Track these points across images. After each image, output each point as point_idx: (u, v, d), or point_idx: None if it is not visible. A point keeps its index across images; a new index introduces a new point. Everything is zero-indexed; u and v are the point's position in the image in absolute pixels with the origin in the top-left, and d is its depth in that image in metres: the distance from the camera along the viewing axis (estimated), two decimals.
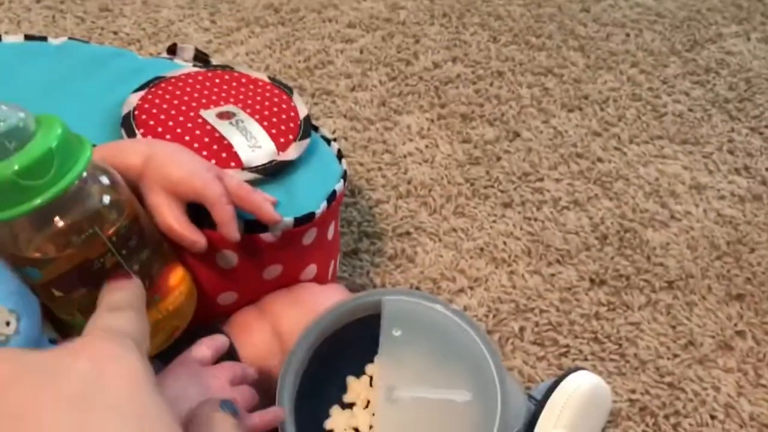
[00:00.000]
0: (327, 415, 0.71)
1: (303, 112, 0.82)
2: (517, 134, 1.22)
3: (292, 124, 0.80)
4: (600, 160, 1.18)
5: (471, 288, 0.99)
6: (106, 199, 0.59)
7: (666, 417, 0.86)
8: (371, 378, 0.72)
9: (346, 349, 0.72)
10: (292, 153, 0.77)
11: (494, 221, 1.08)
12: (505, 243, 1.05)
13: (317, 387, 0.71)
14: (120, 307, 0.40)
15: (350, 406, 0.71)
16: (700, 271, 1.01)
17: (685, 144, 1.22)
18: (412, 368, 0.69)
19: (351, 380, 0.72)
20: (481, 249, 1.04)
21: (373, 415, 0.68)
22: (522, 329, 0.94)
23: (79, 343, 0.34)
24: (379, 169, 1.14)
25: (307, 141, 0.79)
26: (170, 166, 0.65)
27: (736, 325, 0.95)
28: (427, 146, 1.19)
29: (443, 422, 0.66)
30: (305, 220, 0.73)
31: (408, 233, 1.06)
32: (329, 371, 0.72)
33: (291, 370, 0.67)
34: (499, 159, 1.17)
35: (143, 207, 0.65)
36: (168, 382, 0.55)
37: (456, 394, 0.67)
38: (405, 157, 1.17)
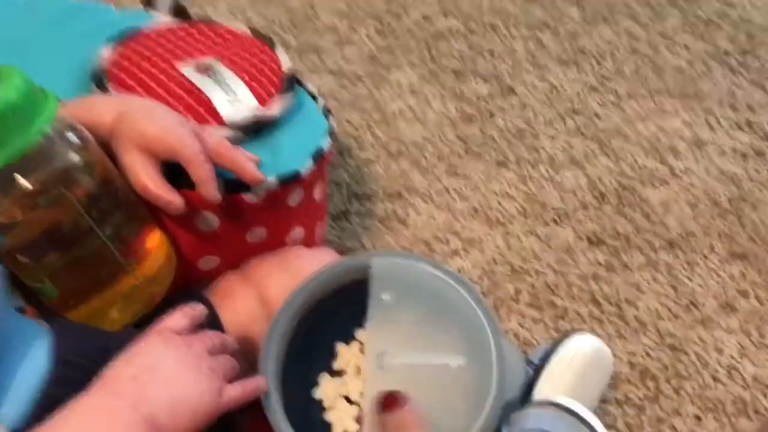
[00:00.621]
0: (316, 384, 0.67)
1: (286, 65, 0.78)
2: (511, 90, 1.17)
3: (274, 78, 0.75)
4: (597, 116, 1.14)
5: (465, 250, 0.96)
6: (75, 157, 0.56)
7: (668, 380, 0.83)
8: (361, 344, 0.69)
9: (334, 315, 0.69)
10: (275, 108, 0.72)
11: (488, 181, 1.04)
12: (499, 203, 1.01)
13: (305, 355, 0.67)
14: None
15: (340, 373, 0.68)
16: (701, 230, 0.98)
17: (685, 99, 1.18)
18: (402, 333, 0.66)
19: (340, 347, 0.69)
20: (475, 210, 1.00)
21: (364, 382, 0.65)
22: (518, 292, 0.91)
23: None
24: (369, 127, 1.10)
25: (290, 95, 0.75)
26: (144, 122, 0.61)
27: (738, 284, 0.92)
28: (418, 103, 1.14)
29: (436, 389, 0.63)
30: (290, 180, 0.69)
31: (399, 194, 1.02)
32: (317, 338, 0.68)
33: (274, 337, 0.64)
34: (492, 116, 1.13)
35: (116, 166, 0.61)
36: (142, 350, 0.52)
37: (449, 358, 0.64)
38: (395, 115, 1.12)
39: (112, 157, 0.62)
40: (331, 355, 0.69)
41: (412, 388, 0.63)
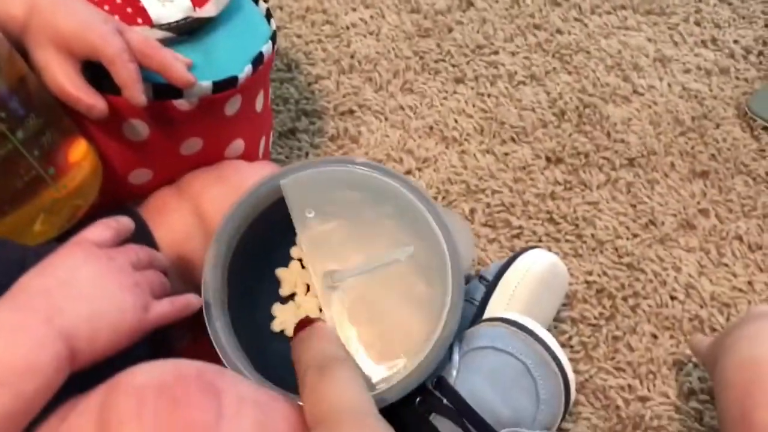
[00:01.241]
0: (270, 317, 0.64)
1: None
2: (470, 3, 1.12)
3: None
4: (559, 31, 1.09)
5: (419, 169, 0.92)
6: None
7: (624, 299, 0.81)
8: (300, 260, 0.65)
9: (267, 242, 0.65)
10: (210, 9, 0.66)
11: (445, 98, 1.00)
12: (456, 121, 0.97)
13: (251, 284, 0.64)
14: None
15: (291, 297, 0.65)
16: (662, 148, 0.95)
17: (650, 14, 1.13)
18: (341, 246, 0.62)
19: (280, 272, 0.65)
20: (431, 128, 0.96)
21: (316, 297, 0.62)
22: (473, 211, 0.88)
23: None
24: (319, 41, 1.04)
25: None
26: (60, 16, 0.56)
27: (699, 203, 0.90)
28: (372, 16, 1.08)
29: (395, 285, 0.60)
30: (226, 85, 0.64)
31: (351, 111, 0.97)
32: (258, 267, 0.65)
33: (217, 263, 0.60)
34: (450, 30, 1.08)
35: (29, 65, 0.56)
36: (57, 262, 0.48)
37: (397, 253, 0.61)
38: (348, 28, 1.06)
39: (25, 55, 0.56)
40: (275, 282, 0.65)
41: (371, 295, 0.60)
